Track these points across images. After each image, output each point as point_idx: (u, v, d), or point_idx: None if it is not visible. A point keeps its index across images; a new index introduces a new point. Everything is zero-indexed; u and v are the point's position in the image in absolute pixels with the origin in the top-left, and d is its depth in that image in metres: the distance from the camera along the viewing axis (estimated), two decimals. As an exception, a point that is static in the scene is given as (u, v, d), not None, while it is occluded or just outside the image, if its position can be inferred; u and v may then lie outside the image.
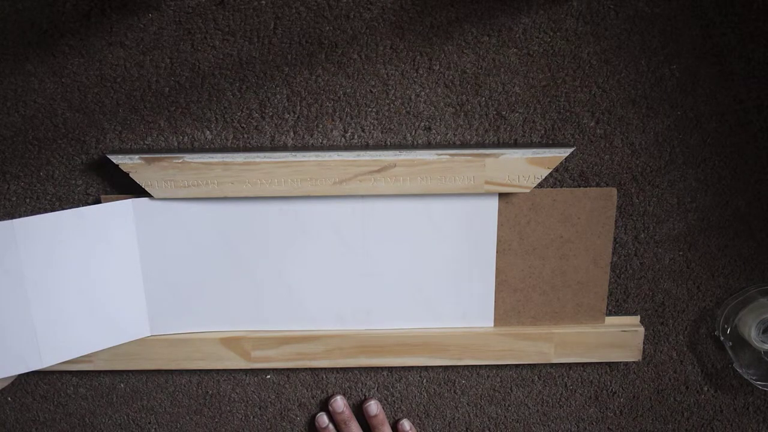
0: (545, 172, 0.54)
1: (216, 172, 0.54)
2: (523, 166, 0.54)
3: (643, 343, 0.62)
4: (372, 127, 0.56)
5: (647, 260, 0.60)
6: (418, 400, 0.65)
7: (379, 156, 0.54)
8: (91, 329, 0.57)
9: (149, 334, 0.59)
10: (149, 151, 0.56)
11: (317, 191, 0.54)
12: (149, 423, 0.66)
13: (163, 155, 0.53)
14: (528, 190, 0.55)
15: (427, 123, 0.56)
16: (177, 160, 0.53)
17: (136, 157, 0.53)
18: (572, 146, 0.55)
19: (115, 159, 0.53)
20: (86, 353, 0.57)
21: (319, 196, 0.55)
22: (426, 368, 0.64)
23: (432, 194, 0.55)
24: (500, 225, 0.57)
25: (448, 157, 0.53)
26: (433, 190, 0.54)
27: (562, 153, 0.53)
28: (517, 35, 0.53)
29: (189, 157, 0.53)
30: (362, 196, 0.56)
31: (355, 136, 0.56)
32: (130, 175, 0.53)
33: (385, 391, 0.65)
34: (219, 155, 0.53)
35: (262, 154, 0.53)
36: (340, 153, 0.54)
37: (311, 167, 0.54)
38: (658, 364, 0.64)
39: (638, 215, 0.59)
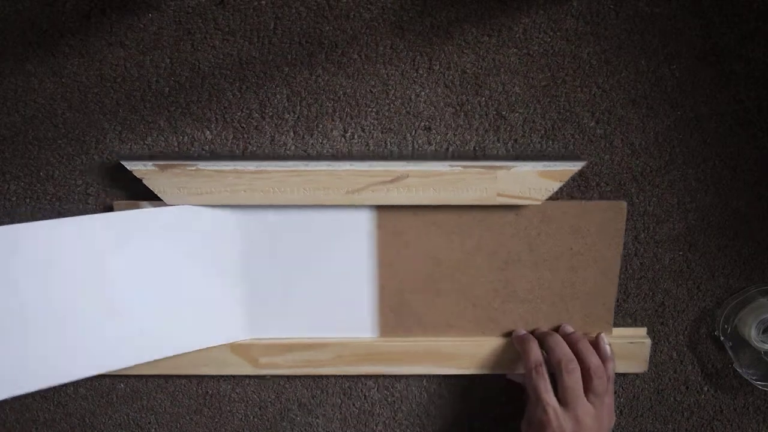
0: (557, 185, 0.54)
1: (228, 180, 0.54)
2: (535, 179, 0.54)
3: (643, 343, 0.62)
4: (372, 127, 0.56)
5: (647, 260, 0.60)
6: (418, 399, 0.65)
7: (392, 166, 0.54)
8: (114, 344, 0.55)
9: (168, 354, 0.59)
10: (161, 157, 0.56)
11: (329, 200, 0.54)
12: (149, 423, 0.66)
13: (176, 162, 0.53)
14: (539, 203, 0.55)
15: (427, 123, 0.56)
16: (190, 168, 0.53)
17: (150, 163, 0.53)
18: (584, 159, 0.55)
19: (129, 165, 0.53)
20: (109, 370, 0.56)
21: (331, 205, 0.55)
22: (426, 368, 0.64)
23: (444, 205, 0.55)
24: (510, 236, 0.57)
25: (460, 168, 0.53)
26: (445, 201, 0.55)
27: (574, 166, 0.54)
28: (517, 35, 0.53)
29: (202, 165, 0.53)
30: (375, 206, 0.56)
31: (355, 136, 0.56)
32: (143, 181, 0.54)
33: (385, 391, 0.65)
34: (231, 163, 0.53)
35: (274, 163, 0.54)
36: (352, 163, 0.54)
37: (323, 177, 0.54)
38: (658, 364, 0.64)
39: (638, 215, 0.59)
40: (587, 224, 0.57)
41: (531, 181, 0.54)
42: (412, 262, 0.58)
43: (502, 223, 0.57)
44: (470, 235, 0.57)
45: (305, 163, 0.54)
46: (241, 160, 0.54)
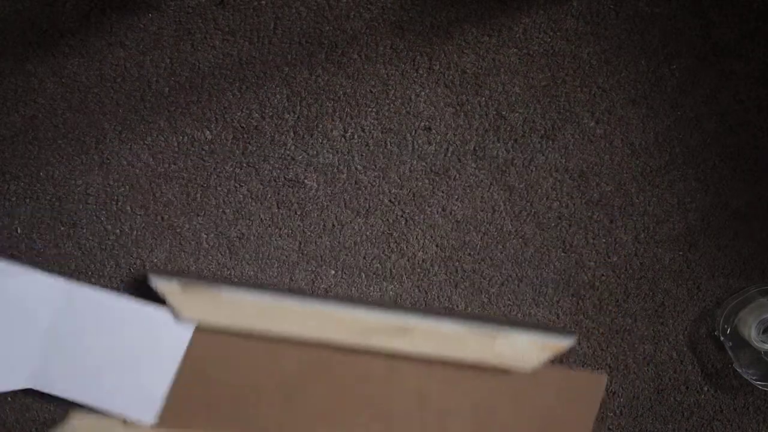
0: (548, 357, 0.57)
1: (247, 310, 0.57)
2: (529, 349, 0.57)
3: (643, 343, 0.62)
4: (372, 127, 0.56)
5: (647, 260, 0.60)
6: None
7: (402, 319, 0.57)
8: None
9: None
10: (186, 274, 0.59)
11: (339, 341, 0.57)
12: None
13: (199, 284, 0.57)
14: (529, 371, 0.58)
15: (427, 123, 0.56)
16: (213, 291, 0.56)
17: (174, 281, 0.56)
18: (575, 334, 0.60)
19: (154, 281, 0.56)
20: None
21: (340, 347, 0.58)
22: None
23: (444, 361, 0.58)
24: (492, 391, 0.60)
25: (463, 330, 0.57)
26: (445, 357, 0.58)
27: (568, 342, 0.57)
28: (517, 35, 0.53)
29: (224, 291, 0.57)
30: (380, 353, 0.58)
31: (355, 136, 0.56)
32: (165, 296, 0.57)
33: None
34: (252, 295, 0.57)
35: (293, 299, 0.57)
36: (366, 310, 0.57)
37: (337, 320, 0.57)
38: (658, 364, 0.64)
39: (638, 215, 0.59)
40: (567, 391, 0.60)
41: (525, 350, 0.58)
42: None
43: (488, 378, 0.60)
44: (452, 384, 0.60)
45: (321, 305, 0.57)
46: (261, 291, 0.58)
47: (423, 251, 0.61)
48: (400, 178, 0.57)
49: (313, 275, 0.62)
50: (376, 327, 0.58)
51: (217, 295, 0.56)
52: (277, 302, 0.57)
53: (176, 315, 0.57)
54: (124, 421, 0.60)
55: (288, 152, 0.57)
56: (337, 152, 0.57)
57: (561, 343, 0.58)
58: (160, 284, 0.56)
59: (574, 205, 0.59)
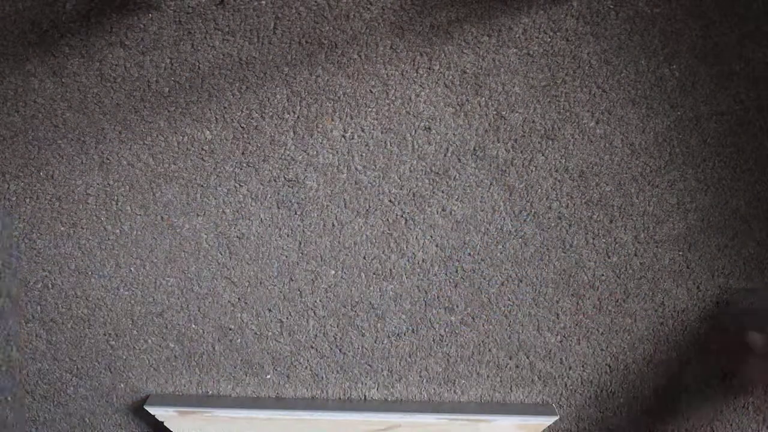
0: None
1: (240, 424, 0.62)
2: (512, 431, 0.61)
3: (643, 342, 0.62)
4: (372, 127, 0.56)
5: (647, 260, 0.60)
6: None
7: (386, 417, 0.61)
8: None
9: None
10: (183, 402, 0.63)
11: None
12: (149, 423, 0.66)
13: (194, 409, 0.61)
14: None
15: (427, 123, 0.56)
16: (207, 414, 0.61)
17: (171, 409, 0.61)
18: (557, 415, 0.62)
19: (152, 410, 0.61)
20: None
21: None
22: None
23: None
24: None
25: (447, 420, 0.60)
26: None
27: (547, 421, 0.61)
28: (517, 35, 0.53)
29: (218, 412, 0.62)
30: None
31: (355, 136, 0.56)
32: (164, 423, 0.61)
33: None
34: (244, 411, 0.61)
35: (282, 412, 0.61)
36: (351, 413, 0.61)
37: (325, 425, 0.61)
38: (658, 364, 0.64)
39: (638, 215, 0.59)
40: None
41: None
42: None
43: None
44: None
45: (310, 413, 0.61)
46: (252, 408, 0.62)
47: (423, 251, 0.61)
48: (400, 178, 0.57)
49: (313, 275, 0.62)
50: (365, 428, 0.62)
51: (212, 415, 0.62)
52: (270, 415, 0.61)
53: None
54: None
55: (288, 152, 0.57)
56: (337, 152, 0.57)
57: (541, 423, 0.61)
58: (159, 412, 0.62)
59: (574, 205, 0.59)
